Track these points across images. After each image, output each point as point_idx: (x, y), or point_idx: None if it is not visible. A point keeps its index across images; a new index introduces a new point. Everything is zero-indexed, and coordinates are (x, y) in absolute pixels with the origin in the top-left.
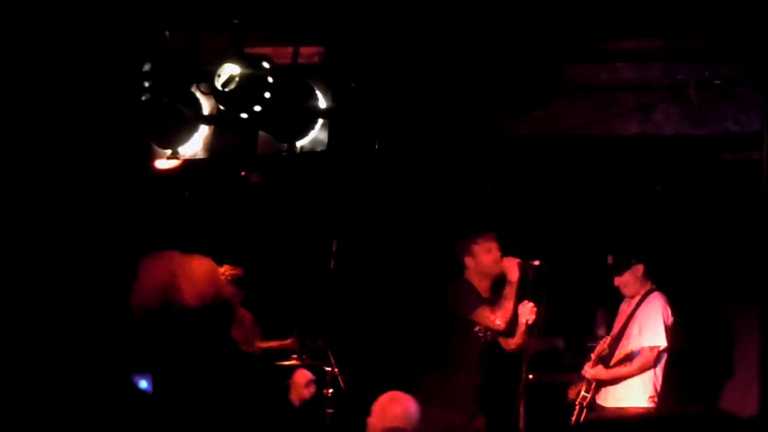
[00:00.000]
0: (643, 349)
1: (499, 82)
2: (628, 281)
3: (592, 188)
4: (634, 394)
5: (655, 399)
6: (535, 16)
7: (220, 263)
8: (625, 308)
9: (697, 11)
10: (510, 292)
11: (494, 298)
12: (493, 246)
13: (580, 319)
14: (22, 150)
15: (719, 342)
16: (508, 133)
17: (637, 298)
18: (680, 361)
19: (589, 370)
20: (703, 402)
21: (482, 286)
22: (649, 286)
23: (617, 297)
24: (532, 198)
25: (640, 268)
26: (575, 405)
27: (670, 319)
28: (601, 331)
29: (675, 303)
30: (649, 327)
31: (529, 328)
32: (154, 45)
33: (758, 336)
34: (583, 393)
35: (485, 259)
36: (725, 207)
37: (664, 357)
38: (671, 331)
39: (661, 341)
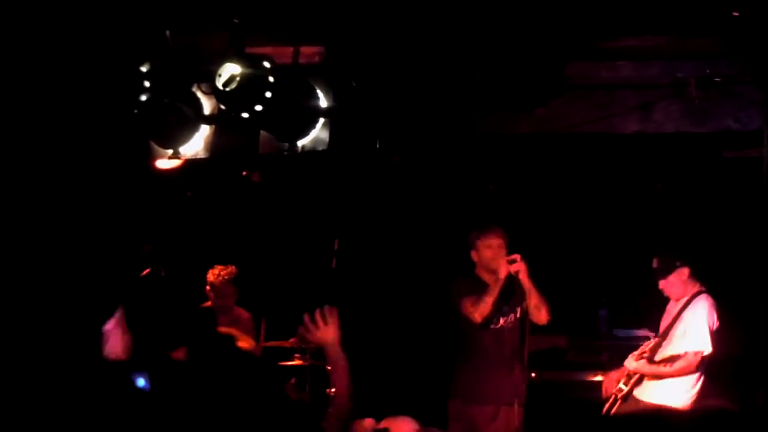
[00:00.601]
0: (687, 353)
1: (500, 81)
2: (674, 284)
3: (593, 186)
4: (675, 395)
5: (694, 401)
6: (535, 15)
7: (218, 263)
8: (671, 309)
9: (699, 9)
10: (494, 288)
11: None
12: (495, 242)
13: (582, 317)
14: (21, 150)
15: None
16: (509, 131)
17: (685, 299)
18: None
19: (632, 363)
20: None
21: (490, 280)
22: (697, 287)
23: (619, 295)
24: (533, 196)
25: (685, 271)
26: (611, 396)
27: (716, 324)
28: (604, 329)
29: None
30: (694, 331)
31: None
32: (155, 44)
33: (758, 331)
34: (621, 386)
35: (485, 254)
36: (726, 205)
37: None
38: (716, 336)
39: (705, 346)
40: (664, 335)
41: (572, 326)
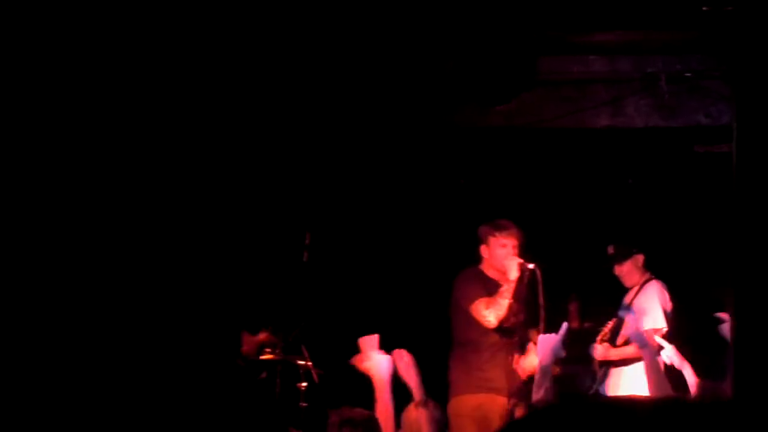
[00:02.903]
0: (645, 330)
1: (472, 75)
2: (629, 271)
3: (565, 181)
4: (642, 384)
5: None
6: (508, 8)
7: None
8: (626, 300)
9: (669, 4)
10: (506, 290)
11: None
12: (510, 243)
13: (554, 312)
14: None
15: (692, 329)
16: (480, 125)
17: (636, 288)
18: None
19: (599, 349)
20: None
21: (496, 276)
22: (647, 276)
23: (591, 289)
24: (504, 191)
25: (640, 258)
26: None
27: (669, 305)
28: (574, 324)
29: None
30: (647, 312)
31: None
32: None
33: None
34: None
35: (497, 253)
36: (696, 199)
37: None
38: (670, 316)
39: (660, 323)
40: (618, 324)
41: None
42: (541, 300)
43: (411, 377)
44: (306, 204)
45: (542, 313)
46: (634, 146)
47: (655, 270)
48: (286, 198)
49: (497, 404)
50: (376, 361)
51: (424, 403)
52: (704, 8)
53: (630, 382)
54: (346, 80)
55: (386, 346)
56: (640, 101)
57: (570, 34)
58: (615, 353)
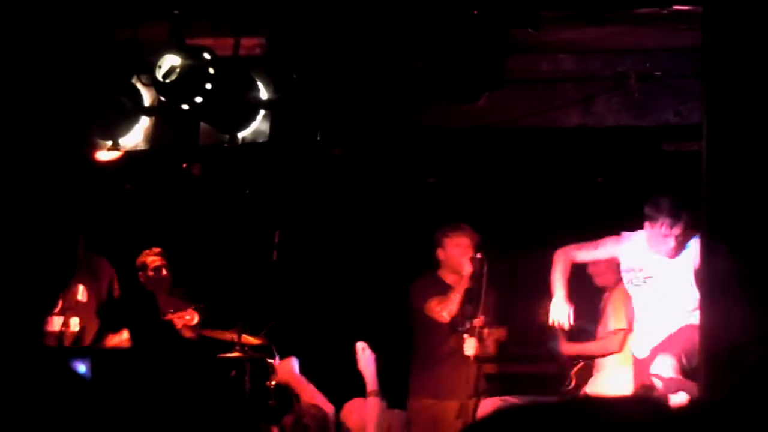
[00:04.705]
0: (609, 332)
1: (441, 73)
2: (604, 271)
3: (534, 180)
4: (625, 386)
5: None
6: (476, 6)
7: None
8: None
9: (639, 1)
10: (459, 286)
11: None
12: (464, 242)
13: (522, 310)
14: None
15: None
16: (450, 124)
17: (609, 289)
18: None
19: (564, 344)
20: None
21: (454, 281)
22: (620, 276)
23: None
24: (474, 190)
25: (615, 259)
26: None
27: None
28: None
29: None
30: (614, 313)
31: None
32: (95, 35)
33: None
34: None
35: (453, 253)
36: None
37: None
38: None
39: (623, 324)
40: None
41: (511, 318)
42: (484, 289)
43: (368, 369)
44: (275, 203)
45: (483, 301)
46: (604, 145)
47: None
48: (255, 197)
49: (444, 408)
50: (287, 368)
51: (378, 393)
52: (674, 6)
53: (613, 384)
54: (314, 79)
55: (353, 344)
56: (610, 100)
57: (539, 32)
58: (574, 350)
